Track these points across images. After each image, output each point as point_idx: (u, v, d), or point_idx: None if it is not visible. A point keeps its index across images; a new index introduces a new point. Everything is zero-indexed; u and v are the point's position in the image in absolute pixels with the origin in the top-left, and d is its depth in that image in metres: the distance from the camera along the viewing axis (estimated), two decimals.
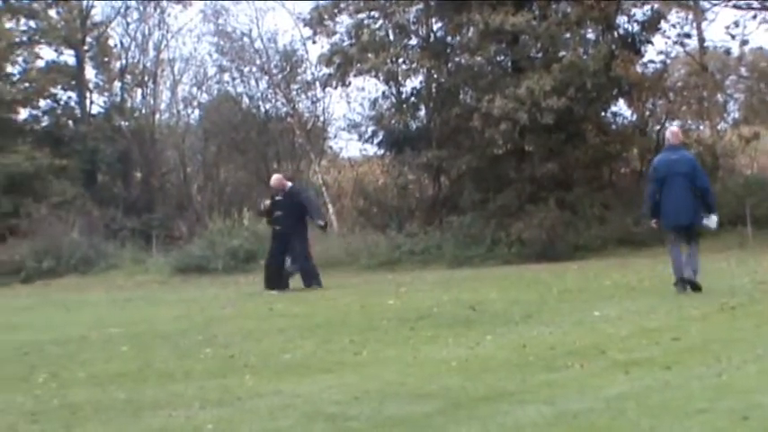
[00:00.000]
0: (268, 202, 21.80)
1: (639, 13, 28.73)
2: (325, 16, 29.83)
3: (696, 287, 16.19)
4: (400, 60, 30.35)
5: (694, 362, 10.19)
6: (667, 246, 17.38)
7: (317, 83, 32.29)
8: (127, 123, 32.11)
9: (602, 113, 27.96)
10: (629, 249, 25.17)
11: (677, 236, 16.78)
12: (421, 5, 30.00)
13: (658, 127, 29.26)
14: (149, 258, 28.32)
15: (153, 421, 8.70)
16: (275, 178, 22.33)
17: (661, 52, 29.25)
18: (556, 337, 12.62)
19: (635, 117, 29.00)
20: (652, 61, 29.61)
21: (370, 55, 29.07)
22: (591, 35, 28.03)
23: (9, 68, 32.07)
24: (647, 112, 29.74)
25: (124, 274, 27.11)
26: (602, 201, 26.64)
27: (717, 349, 10.90)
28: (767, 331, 11.72)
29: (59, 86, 32.57)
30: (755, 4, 27.10)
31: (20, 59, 32.32)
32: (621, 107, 28.78)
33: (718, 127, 28.81)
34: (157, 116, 34.23)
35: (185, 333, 15.42)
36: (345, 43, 30.03)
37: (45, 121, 32.23)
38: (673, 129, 19.70)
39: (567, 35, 27.14)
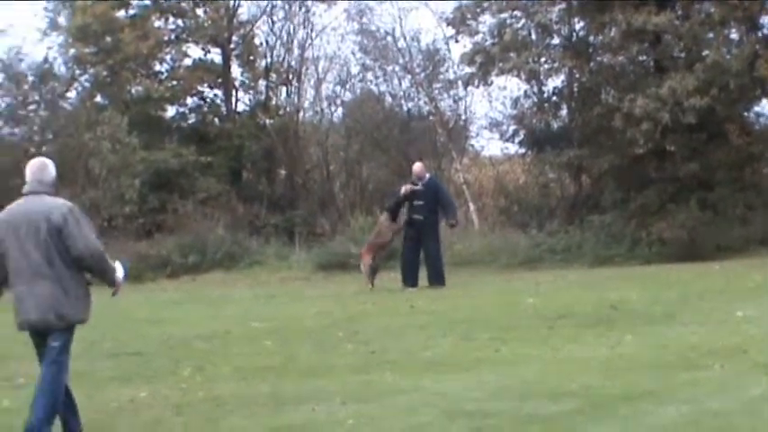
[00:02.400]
0: (409, 186, 22.96)
1: None
2: (468, 16, 30.83)
3: None
4: (542, 60, 30.90)
5: None
6: None
7: (459, 82, 32.75)
8: (271, 121, 33.66)
9: (746, 113, 28.87)
10: None
11: None
12: (563, 5, 30.62)
13: None
14: (292, 255, 29.48)
15: (295, 416, 9.87)
16: (418, 165, 23.64)
17: None
18: (697, 336, 13.68)
19: None
20: None
21: (512, 54, 30.03)
22: (734, 35, 28.81)
23: (157, 67, 33.89)
24: None
25: (267, 271, 28.49)
26: (744, 201, 27.56)
27: None
28: None
29: (206, 84, 34.21)
30: None
31: (167, 58, 34.05)
32: (765, 107, 28.99)
33: None
34: (301, 114, 35.03)
35: (327, 329, 16.85)
36: (488, 42, 30.65)
37: (191, 119, 34.05)
38: None
39: (710, 35, 28.10)
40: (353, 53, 35.33)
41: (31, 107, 34.23)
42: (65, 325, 9.28)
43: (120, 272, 9.65)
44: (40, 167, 9.70)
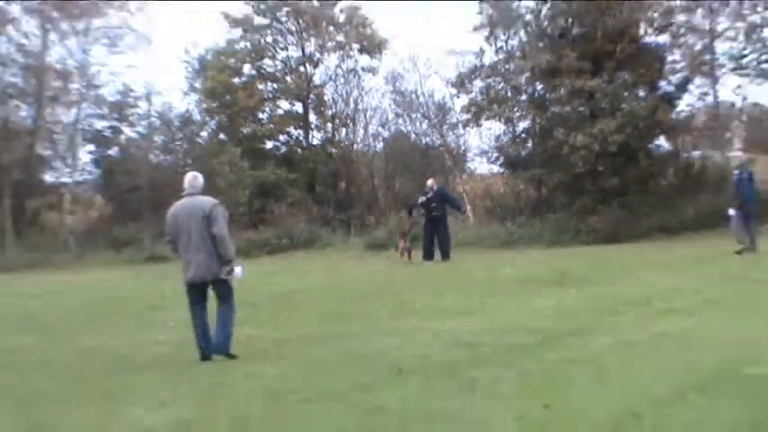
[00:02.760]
0: (424, 198, 23.46)
1: (675, 78, 29.72)
2: (465, 81, 31.54)
3: (743, 252, 17.81)
4: (515, 109, 31.58)
5: (711, 311, 11.27)
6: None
7: (460, 124, 32.98)
8: (335, 151, 34.18)
9: (649, 145, 29.04)
10: (667, 236, 25.85)
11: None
12: (529, 74, 30.66)
13: (686, 154, 30.18)
14: (350, 239, 29.96)
15: (356, 345, 10.19)
16: (430, 180, 24.27)
17: (689, 104, 29.97)
18: (617, 292, 13.93)
19: (671, 147, 29.98)
20: (683, 110, 30.17)
21: (494, 106, 30.82)
22: (642, 93, 29.18)
23: (260, 115, 34.54)
24: (680, 144, 30.18)
25: (335, 251, 28.67)
26: (648, 203, 27.67)
27: (729, 301, 11.98)
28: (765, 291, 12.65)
29: (292, 126, 34.61)
30: (752, 72, 28.12)
31: (267, 109, 34.66)
32: (662, 141, 29.56)
33: (727, 153, 28.58)
34: (355, 146, 35.44)
35: (375, 288, 17.20)
36: (479, 98, 31.21)
37: (283, 149, 34.47)
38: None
39: (626, 93, 28.60)
40: (390, 105, 35.07)
41: (178, 142, 34.80)
42: (213, 278, 9.66)
43: (238, 269, 9.88)
44: (193, 177, 10.03)
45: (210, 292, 9.92)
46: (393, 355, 9.42)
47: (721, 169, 26.67)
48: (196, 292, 9.78)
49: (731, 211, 19.68)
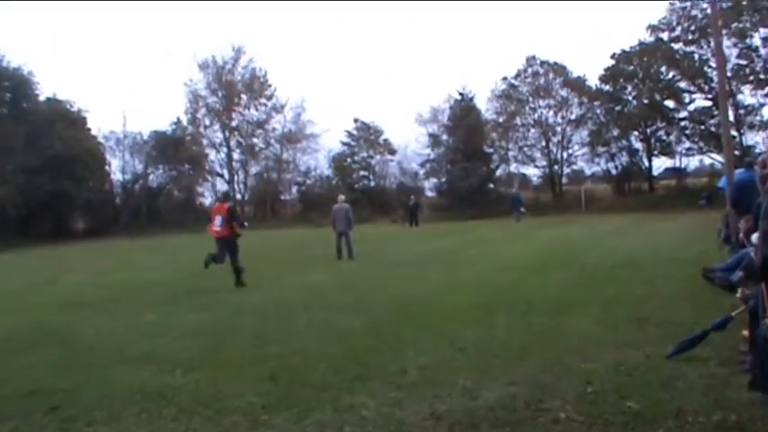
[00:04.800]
0: (410, 203, 38.14)
1: None
2: (426, 164, 55.11)
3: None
4: (441, 175, 54.57)
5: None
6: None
7: (423, 177, 57.76)
8: (379, 189, 54.75)
9: None
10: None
11: None
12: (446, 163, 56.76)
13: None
14: (382, 219, 48.14)
15: (370, 251, 15.96)
16: (413, 197, 39.54)
17: None
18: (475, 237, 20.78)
19: None
20: None
21: (434, 172, 55.49)
22: (484, 168, 50.06)
23: (354, 176, 55.14)
24: None
25: None
26: None
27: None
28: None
29: (366, 180, 56.01)
30: None
31: (353, 176, 55.36)
32: None
33: None
34: (386, 187, 56.88)
35: (389, 236, 25.91)
36: (429, 170, 54.93)
37: (360, 187, 53.90)
38: None
39: (479, 169, 51.47)
40: (396, 172, 57.60)
41: (324, 187, 56.47)
42: (347, 232, 15.26)
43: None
44: (341, 198, 15.88)
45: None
46: (398, 258, 14.22)
47: None
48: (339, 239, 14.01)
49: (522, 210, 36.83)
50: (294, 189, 63.33)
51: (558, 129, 57.35)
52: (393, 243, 23.63)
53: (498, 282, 12.93)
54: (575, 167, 58.53)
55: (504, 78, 57.90)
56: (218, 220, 14.76)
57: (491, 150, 58.60)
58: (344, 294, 12.60)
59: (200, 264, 15.57)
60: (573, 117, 56.73)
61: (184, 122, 60.66)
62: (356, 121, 62.04)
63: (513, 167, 58.75)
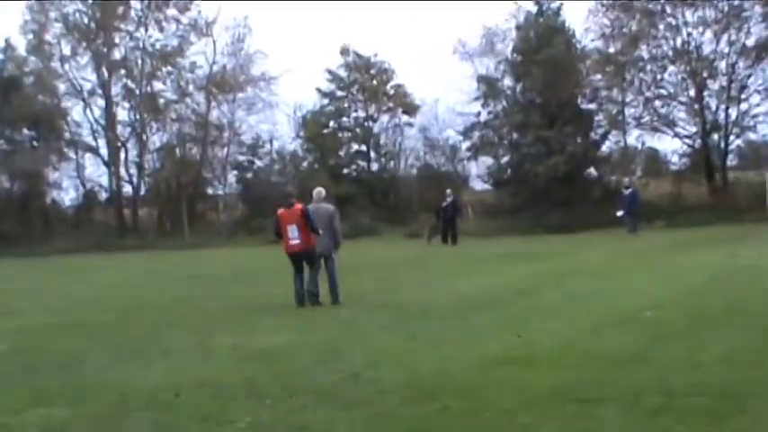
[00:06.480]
0: (444, 204, 28.56)
1: (600, 131, 36.99)
2: (468, 131, 39.50)
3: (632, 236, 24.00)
4: (500, 150, 38.58)
5: (625, 275, 13.10)
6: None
7: (465, 158, 41.48)
8: (386, 175, 41.30)
9: (583, 173, 33.50)
10: (595, 230, 30.03)
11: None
12: (508, 128, 37.60)
13: (607, 179, 36.22)
14: (395, 230, 34.82)
15: (396, 298, 11.66)
16: (449, 190, 30.13)
17: (608, 147, 38.15)
18: (566, 264, 16.28)
19: (597, 174, 34.06)
20: (604, 151, 38.06)
21: (487, 147, 38.92)
22: (579, 140, 35.90)
23: (340, 152, 40.86)
24: (603, 171, 35.84)
25: (385, 237, 33.43)
26: (584, 209, 33.52)
27: (635, 268, 14.22)
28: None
29: (359, 159, 42.02)
30: (647, 127, 37.31)
31: (344, 149, 41.41)
32: (591, 170, 32.84)
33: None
34: (399, 172, 42.52)
35: (409, 261, 20.35)
36: (477, 143, 39.07)
37: (353, 173, 41.24)
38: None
39: (569, 139, 34.65)
40: (421, 146, 43.31)
41: (288, 169, 41.69)
42: (327, 253, 12.43)
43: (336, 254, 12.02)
44: (319, 191, 12.77)
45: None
46: (421, 302, 11.15)
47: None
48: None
49: (619, 213, 28.01)
50: (232, 176, 44.43)
51: (722, 65, 37.79)
52: (413, 274, 16.03)
53: (608, 350, 7.51)
54: (752, 137, 39.94)
55: None
56: (292, 230, 12.42)
57: (592, 107, 39.36)
58: (321, 373, 7.36)
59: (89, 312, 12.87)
60: (751, 42, 37.09)
61: (21, 51, 42.21)
62: (345, 52, 43.23)
63: (633, 138, 40.50)
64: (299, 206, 12.63)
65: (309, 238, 12.51)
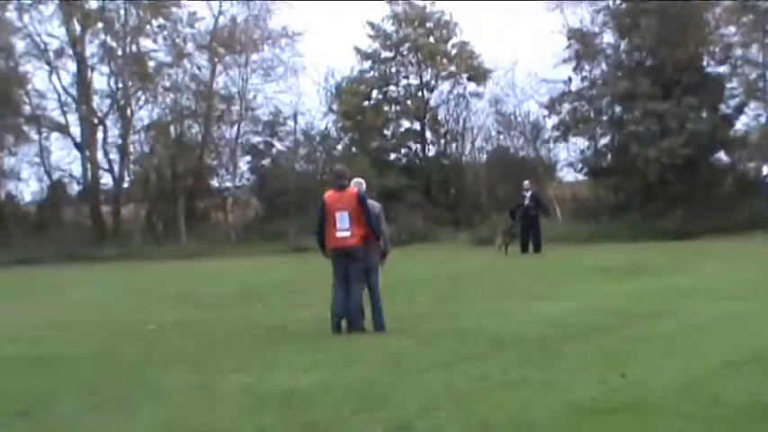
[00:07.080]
0: (523, 202, 27.08)
1: (733, 102, 34.01)
2: (556, 104, 36.04)
3: None
4: (597, 128, 35.56)
5: (761, 296, 12.62)
6: None
7: (551, 140, 37.59)
8: (447, 162, 38.05)
9: (710, 158, 33.72)
10: (724, 235, 28.52)
11: None
12: (609, 99, 34.63)
13: (742, 166, 34.28)
14: (459, 236, 33.25)
15: (462, 323, 11.21)
16: (526, 182, 28.14)
17: (744, 124, 34.49)
18: (684, 281, 15.70)
19: (729, 160, 34.51)
20: (739, 129, 34.26)
21: (580, 125, 35.13)
22: (704, 114, 33.21)
23: (385, 132, 38.40)
24: (737, 158, 34.43)
25: (446, 245, 31.41)
26: (709, 207, 31.30)
27: None
28: None
29: (411, 141, 38.58)
30: None
31: (391, 127, 38.51)
32: (721, 155, 34.13)
33: None
34: (463, 158, 39.35)
35: (477, 276, 19.27)
36: (567, 119, 35.51)
37: (403, 160, 38.33)
38: None
39: (691, 114, 32.41)
40: (492, 124, 39.81)
41: (318, 154, 38.72)
42: (373, 264, 11.57)
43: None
44: (358, 184, 11.71)
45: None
46: (494, 330, 10.80)
47: None
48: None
49: None
50: (244, 164, 41.21)
51: None
52: (482, 292, 15.75)
53: (744, 397, 6.72)
54: None
55: None
56: (342, 218, 11.15)
57: (722, 70, 35.39)
58: (361, 425, 6.70)
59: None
60: None
61: None
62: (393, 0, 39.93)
63: None
64: (353, 190, 11.34)
65: (365, 234, 11.27)
